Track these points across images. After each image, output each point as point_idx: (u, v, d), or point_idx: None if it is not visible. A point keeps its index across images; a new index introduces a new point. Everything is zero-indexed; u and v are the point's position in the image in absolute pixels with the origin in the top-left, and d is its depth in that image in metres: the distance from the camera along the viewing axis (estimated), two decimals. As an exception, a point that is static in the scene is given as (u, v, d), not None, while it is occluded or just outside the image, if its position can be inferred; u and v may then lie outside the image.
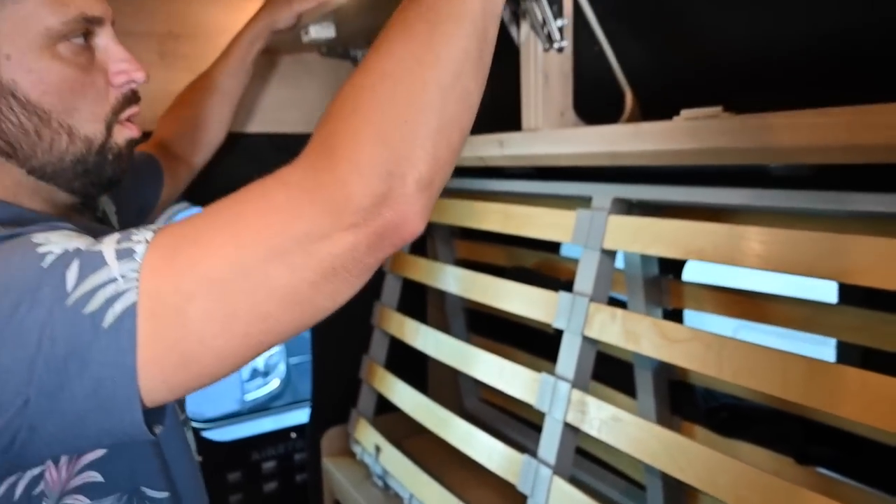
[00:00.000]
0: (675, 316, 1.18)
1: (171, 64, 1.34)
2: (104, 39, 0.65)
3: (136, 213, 0.99)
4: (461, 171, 1.33)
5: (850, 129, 0.64)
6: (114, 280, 0.48)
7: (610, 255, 1.06)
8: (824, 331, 0.96)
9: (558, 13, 0.99)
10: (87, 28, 0.63)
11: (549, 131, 1.02)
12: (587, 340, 1.04)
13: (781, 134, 0.70)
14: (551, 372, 1.07)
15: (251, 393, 3.65)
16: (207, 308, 0.47)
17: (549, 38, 1.00)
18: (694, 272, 1.20)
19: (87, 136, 0.65)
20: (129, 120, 0.68)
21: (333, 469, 1.55)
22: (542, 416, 1.08)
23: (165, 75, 1.31)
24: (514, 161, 1.12)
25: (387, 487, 1.42)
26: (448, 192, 1.57)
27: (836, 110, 0.65)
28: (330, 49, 1.44)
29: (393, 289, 1.54)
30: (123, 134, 0.68)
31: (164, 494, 0.69)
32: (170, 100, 1.23)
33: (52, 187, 0.66)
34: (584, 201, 1.11)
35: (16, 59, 0.59)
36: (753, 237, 0.84)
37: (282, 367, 3.91)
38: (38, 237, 0.51)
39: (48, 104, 0.61)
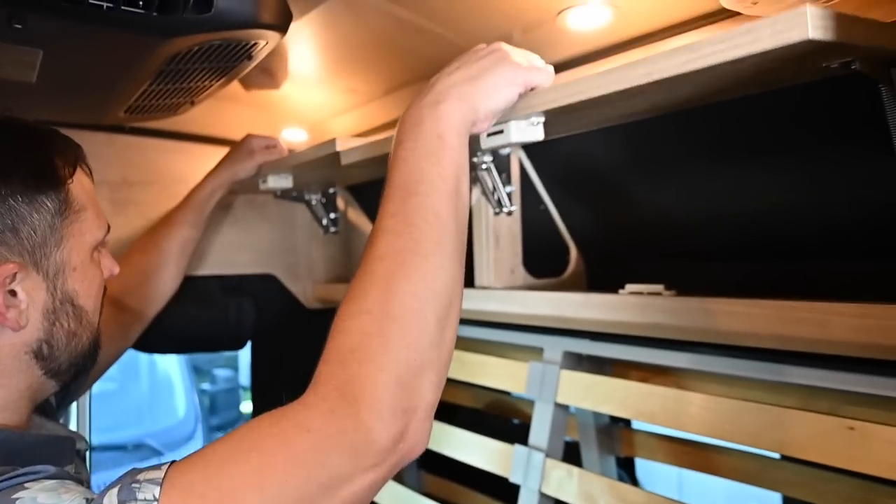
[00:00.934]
0: (628, 464, 1.20)
1: (122, 210, 1.33)
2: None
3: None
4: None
5: (780, 321, 0.70)
6: None
7: (563, 408, 1.08)
8: (770, 485, 0.99)
9: (507, 181, 1.06)
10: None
11: (503, 292, 1.06)
12: (544, 496, 1.04)
13: (719, 318, 0.76)
14: (510, 529, 1.05)
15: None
16: None
17: (499, 203, 1.06)
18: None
19: (96, 329, 0.68)
20: None
21: None
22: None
23: (116, 221, 1.31)
24: (467, 315, 1.15)
25: None
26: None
27: (768, 303, 0.71)
28: (284, 193, 1.48)
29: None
30: None
31: None
32: (121, 247, 1.21)
33: (50, 387, 0.66)
34: (536, 351, 1.14)
35: (79, 270, 0.64)
36: (701, 404, 0.88)
37: None
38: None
39: (89, 306, 0.66)
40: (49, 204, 0.62)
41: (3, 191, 0.59)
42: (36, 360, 0.62)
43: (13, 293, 0.60)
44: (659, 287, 0.84)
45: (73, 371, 0.66)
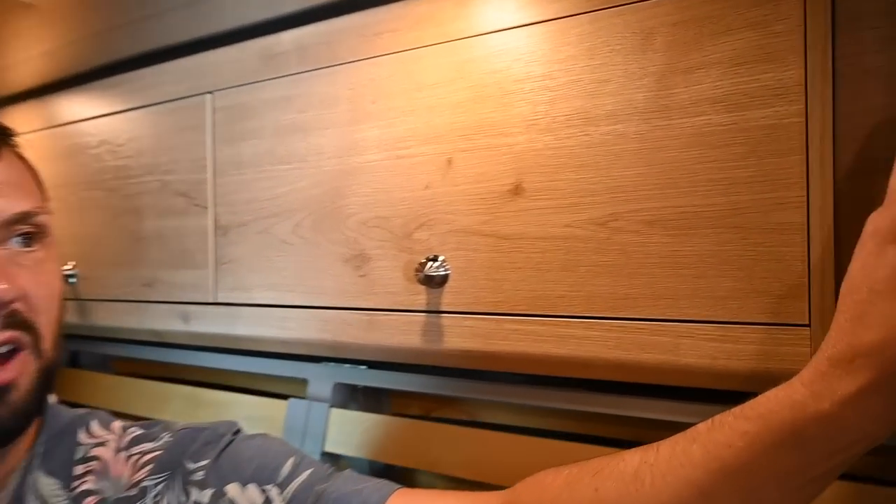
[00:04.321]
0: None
1: None
2: None
3: None
4: (133, 341, 0.99)
5: (621, 345, 0.55)
6: None
7: (333, 458, 0.84)
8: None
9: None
10: None
11: (254, 310, 0.78)
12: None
13: (547, 344, 0.59)
14: None
15: None
16: None
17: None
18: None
19: None
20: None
21: None
22: None
23: None
24: (203, 341, 0.85)
25: None
26: (123, 364, 1.19)
27: (609, 323, 0.56)
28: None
29: None
30: None
31: None
32: None
33: None
34: (298, 384, 0.89)
35: None
36: (501, 445, 0.71)
37: None
38: None
39: None
40: None
41: None
42: None
43: None
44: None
45: None
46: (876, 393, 0.34)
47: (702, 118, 0.52)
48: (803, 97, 0.48)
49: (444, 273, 0.63)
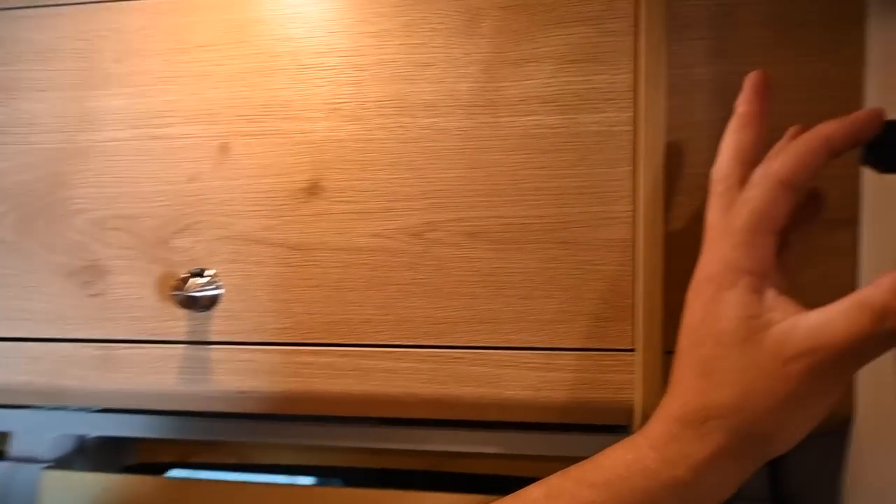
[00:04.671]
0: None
1: None
2: None
3: None
4: None
5: (438, 377, 0.46)
6: None
7: (46, 537, 0.62)
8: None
9: None
10: None
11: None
12: None
13: (350, 380, 0.48)
14: None
15: None
16: None
17: None
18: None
19: None
20: None
21: None
22: None
23: None
24: None
25: None
26: None
27: (424, 352, 0.46)
28: None
29: None
30: None
31: None
32: None
33: None
34: (-3, 440, 0.65)
35: None
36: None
37: None
38: None
39: None
40: None
41: None
42: None
43: None
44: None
45: None
46: (729, 456, 0.31)
47: (531, 118, 0.46)
48: (634, 105, 0.45)
49: (213, 292, 0.48)
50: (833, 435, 0.45)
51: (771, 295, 0.31)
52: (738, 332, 0.31)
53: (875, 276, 0.40)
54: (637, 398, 0.44)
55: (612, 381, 0.45)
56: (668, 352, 0.44)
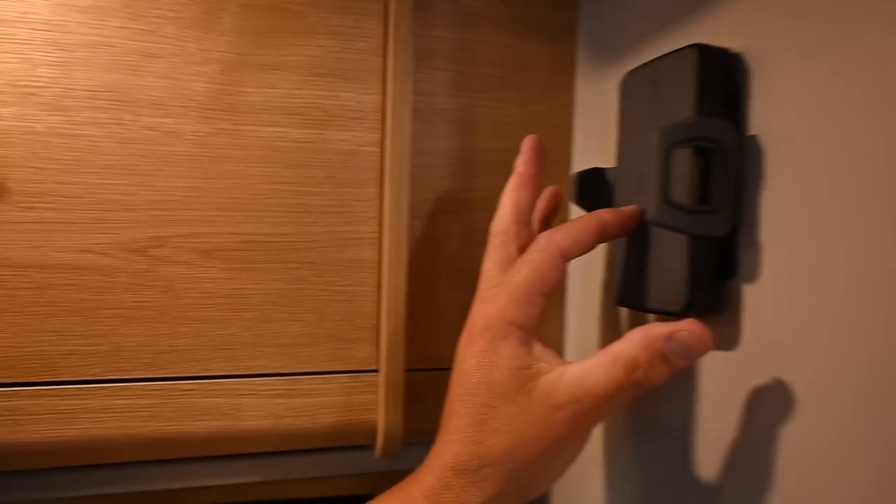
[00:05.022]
0: None
1: None
2: None
3: None
4: None
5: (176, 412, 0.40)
6: None
7: None
8: None
9: None
10: None
11: None
12: None
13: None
14: None
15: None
16: None
17: None
18: None
19: None
20: None
21: None
22: None
23: None
24: None
25: None
26: None
27: (147, 386, 0.40)
28: None
29: None
30: None
31: None
32: None
33: None
34: None
35: None
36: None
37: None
38: None
39: None
40: None
41: None
42: None
43: None
44: None
45: None
46: (499, 500, 0.32)
47: (276, 129, 0.43)
48: (381, 127, 0.45)
49: None
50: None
51: (538, 348, 0.33)
52: (511, 383, 0.32)
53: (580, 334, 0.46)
54: (380, 418, 0.44)
55: (356, 403, 0.45)
56: (410, 370, 0.46)
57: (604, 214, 0.35)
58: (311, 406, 0.44)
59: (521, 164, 0.38)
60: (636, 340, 0.30)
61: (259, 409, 0.43)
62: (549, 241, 0.34)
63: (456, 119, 0.47)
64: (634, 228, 0.35)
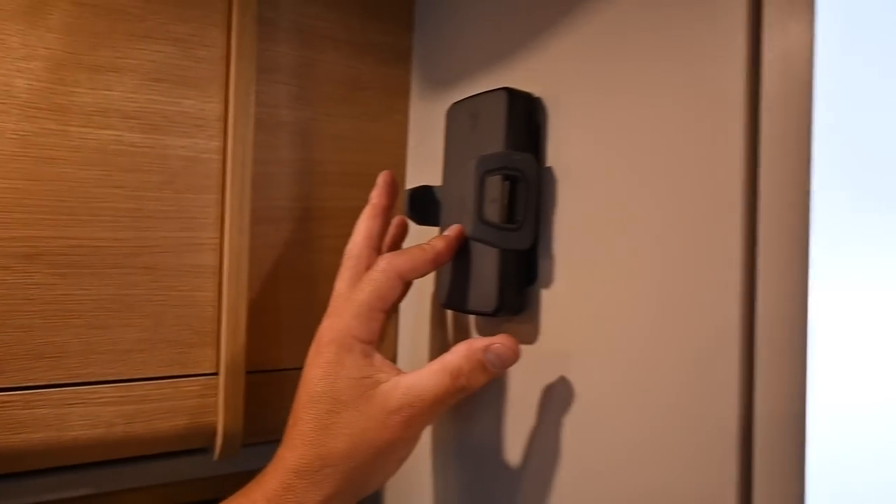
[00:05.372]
0: None
1: None
2: None
3: None
4: None
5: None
6: None
7: None
8: None
9: None
10: None
11: None
12: None
13: None
14: None
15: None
16: None
17: None
18: None
19: None
20: None
21: None
22: None
23: None
24: None
25: None
26: None
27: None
28: None
29: None
30: None
31: None
32: None
33: None
34: None
35: None
36: None
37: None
38: None
39: None
40: None
41: None
42: None
43: None
44: None
45: None
46: (337, 499, 0.35)
47: (110, 132, 0.42)
48: (223, 135, 0.46)
49: None
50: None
51: (378, 359, 0.37)
52: (353, 391, 0.36)
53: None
54: (220, 420, 0.46)
55: (195, 407, 0.46)
56: (250, 372, 0.47)
57: (438, 244, 0.39)
58: (146, 412, 0.44)
59: (376, 196, 0.42)
60: (460, 352, 0.36)
61: (89, 418, 0.42)
62: (389, 264, 0.38)
63: (297, 131, 0.49)
64: (460, 247, 0.41)
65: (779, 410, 0.27)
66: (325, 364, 0.37)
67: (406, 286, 0.40)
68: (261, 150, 0.48)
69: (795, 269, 0.27)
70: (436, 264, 0.39)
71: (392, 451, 0.36)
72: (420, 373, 0.36)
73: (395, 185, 0.43)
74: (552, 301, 0.38)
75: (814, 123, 0.26)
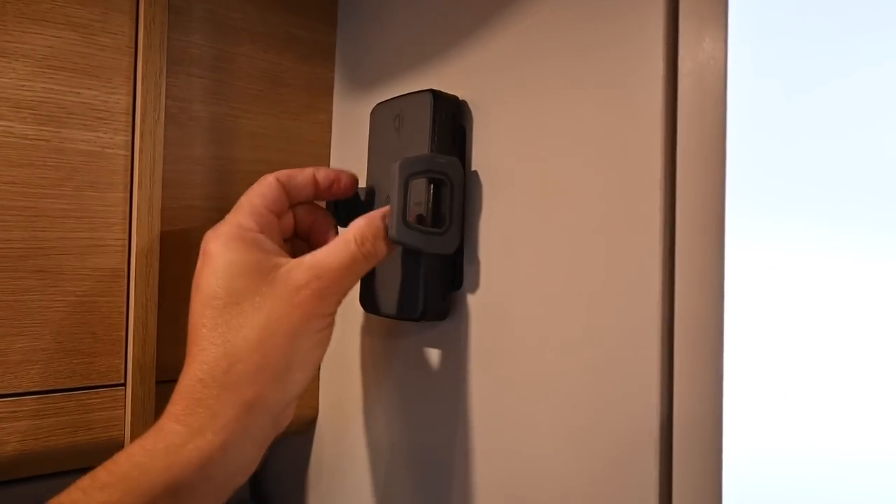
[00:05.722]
0: None
1: None
2: None
3: None
4: None
5: None
6: None
7: None
8: None
9: None
10: None
11: None
12: None
13: None
14: None
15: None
16: None
17: None
18: None
19: None
20: None
21: None
22: None
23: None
24: None
25: None
26: None
27: None
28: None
29: None
30: None
31: None
32: None
33: None
34: None
35: None
36: None
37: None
38: None
39: None
40: None
41: None
42: None
43: None
44: None
45: None
46: (256, 408, 0.31)
47: (0, 123, 0.39)
48: (131, 129, 0.43)
49: None
50: (301, 435, 0.54)
51: (271, 245, 0.34)
52: (251, 276, 0.32)
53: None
54: (127, 435, 0.43)
55: (99, 420, 0.43)
56: (161, 382, 0.45)
57: (319, 172, 0.38)
58: (42, 428, 0.41)
59: (328, 172, 0.39)
60: (360, 221, 0.35)
61: (-26, 437, 0.39)
62: (268, 174, 0.37)
63: (212, 127, 0.47)
64: (347, 191, 0.39)
65: (696, 409, 0.28)
66: (213, 262, 0.33)
67: (291, 199, 0.38)
68: (172, 147, 0.45)
69: (712, 269, 0.28)
70: (316, 182, 0.38)
71: (306, 334, 0.32)
72: (324, 248, 0.34)
73: (345, 186, 0.39)
74: (477, 306, 0.38)
75: (728, 127, 0.27)
